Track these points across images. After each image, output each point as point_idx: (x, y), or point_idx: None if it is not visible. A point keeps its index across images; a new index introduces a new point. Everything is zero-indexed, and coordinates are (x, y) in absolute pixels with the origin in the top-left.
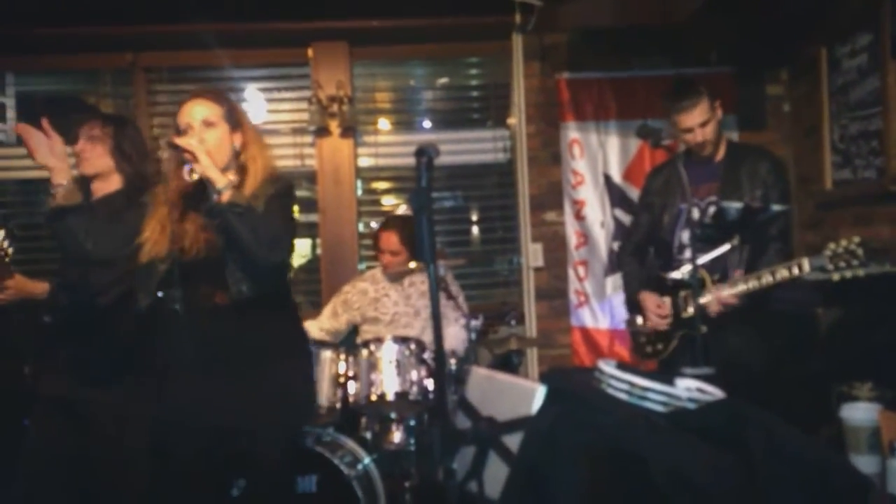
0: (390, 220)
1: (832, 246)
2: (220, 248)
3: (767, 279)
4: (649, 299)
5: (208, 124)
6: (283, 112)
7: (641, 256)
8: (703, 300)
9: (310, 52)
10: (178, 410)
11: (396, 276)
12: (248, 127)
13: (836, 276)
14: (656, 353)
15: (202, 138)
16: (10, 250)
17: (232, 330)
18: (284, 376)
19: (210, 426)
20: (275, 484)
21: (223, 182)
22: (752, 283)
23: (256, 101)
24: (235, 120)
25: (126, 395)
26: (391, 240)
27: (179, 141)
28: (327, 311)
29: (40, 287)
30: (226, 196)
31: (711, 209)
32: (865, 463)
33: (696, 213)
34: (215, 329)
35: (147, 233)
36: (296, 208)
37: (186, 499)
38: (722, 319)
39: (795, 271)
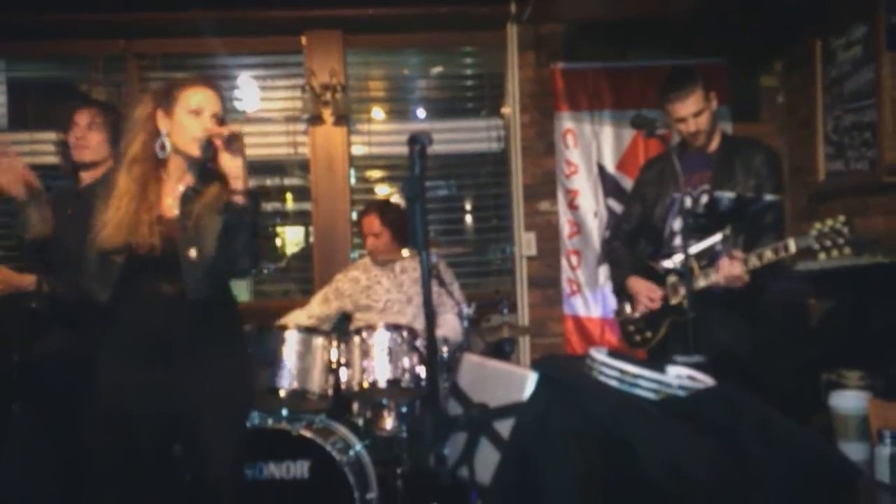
0: (371, 204)
1: (818, 225)
2: (174, 244)
3: (754, 262)
4: (641, 284)
5: (217, 118)
6: (277, 100)
7: (630, 245)
8: (709, 279)
9: (303, 39)
10: (119, 400)
11: (385, 263)
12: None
13: (822, 256)
14: (645, 341)
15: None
16: None
17: (176, 321)
18: (224, 366)
19: (151, 416)
20: (221, 473)
21: (244, 184)
22: (752, 262)
23: (250, 89)
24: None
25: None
26: (372, 223)
27: (223, 129)
28: (318, 297)
29: (27, 280)
30: (239, 199)
31: (704, 198)
32: (854, 450)
33: (688, 202)
34: (160, 320)
35: (105, 220)
36: None
37: (137, 487)
38: (711, 308)
39: (782, 252)
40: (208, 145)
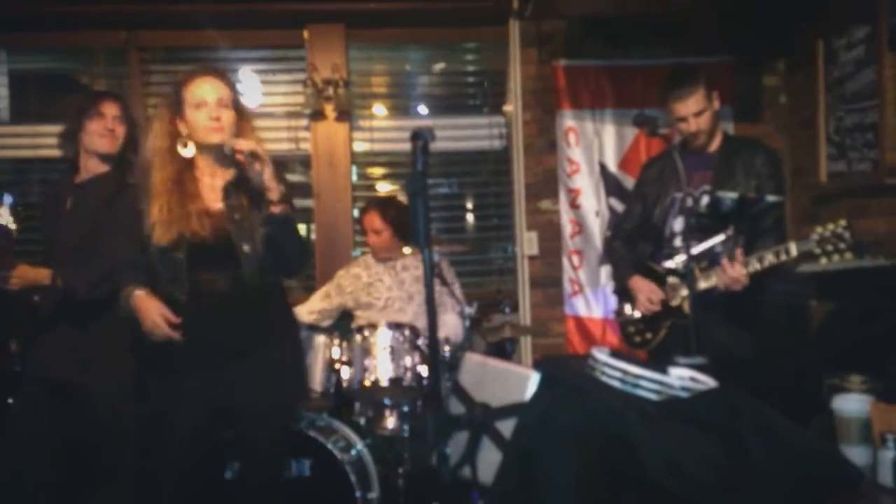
0: (372, 201)
1: (819, 230)
2: (227, 234)
3: (754, 265)
4: (643, 284)
5: (223, 105)
6: (278, 95)
7: (631, 245)
8: (710, 281)
9: (305, 34)
10: (174, 394)
11: (387, 260)
12: (246, 114)
13: (823, 261)
14: (645, 342)
15: (218, 117)
16: (15, 227)
17: (231, 315)
18: (279, 360)
19: (205, 411)
20: (267, 467)
21: (278, 193)
22: (753, 266)
23: (251, 83)
24: (239, 106)
25: (116, 378)
26: (373, 220)
27: (247, 146)
28: (319, 293)
29: (42, 274)
30: (277, 209)
31: (704, 199)
32: (856, 454)
33: (688, 203)
34: (216, 315)
35: (151, 223)
36: None
37: (181, 482)
38: (711, 310)
39: (783, 256)
40: (231, 152)
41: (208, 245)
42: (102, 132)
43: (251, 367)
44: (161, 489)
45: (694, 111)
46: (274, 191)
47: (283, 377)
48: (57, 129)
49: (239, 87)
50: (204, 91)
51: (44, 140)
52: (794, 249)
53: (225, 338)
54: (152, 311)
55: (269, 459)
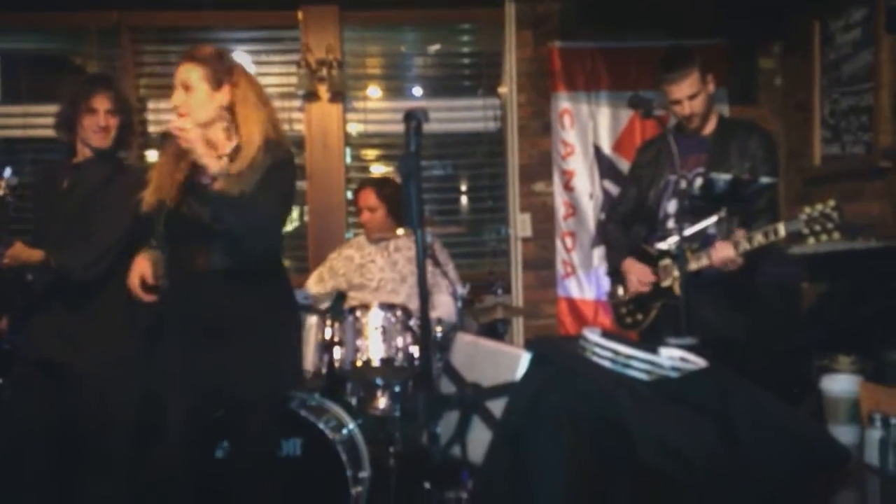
0: (366, 180)
1: (808, 210)
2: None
3: (744, 245)
4: (634, 266)
5: (186, 87)
6: (272, 76)
7: (625, 227)
8: (701, 262)
9: (299, 14)
10: (163, 375)
11: (379, 241)
12: (238, 85)
13: (811, 241)
14: (636, 323)
15: (184, 102)
16: (12, 201)
17: (216, 296)
18: (269, 342)
19: (195, 391)
20: (258, 448)
21: (216, 168)
22: (742, 246)
23: (245, 64)
24: (219, 79)
25: (107, 360)
26: (368, 196)
27: (174, 129)
28: (313, 277)
29: (36, 255)
30: (218, 184)
31: (698, 181)
32: (844, 433)
33: (682, 185)
34: (199, 294)
35: (147, 186)
36: (294, 177)
37: (173, 462)
38: (702, 291)
39: (772, 236)
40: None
41: (185, 219)
42: (95, 129)
43: (240, 350)
44: (157, 471)
45: (688, 94)
46: (210, 166)
47: (273, 362)
48: (48, 108)
49: None
50: (175, 77)
51: (35, 120)
52: (782, 230)
53: (209, 318)
54: (134, 270)
55: (258, 443)
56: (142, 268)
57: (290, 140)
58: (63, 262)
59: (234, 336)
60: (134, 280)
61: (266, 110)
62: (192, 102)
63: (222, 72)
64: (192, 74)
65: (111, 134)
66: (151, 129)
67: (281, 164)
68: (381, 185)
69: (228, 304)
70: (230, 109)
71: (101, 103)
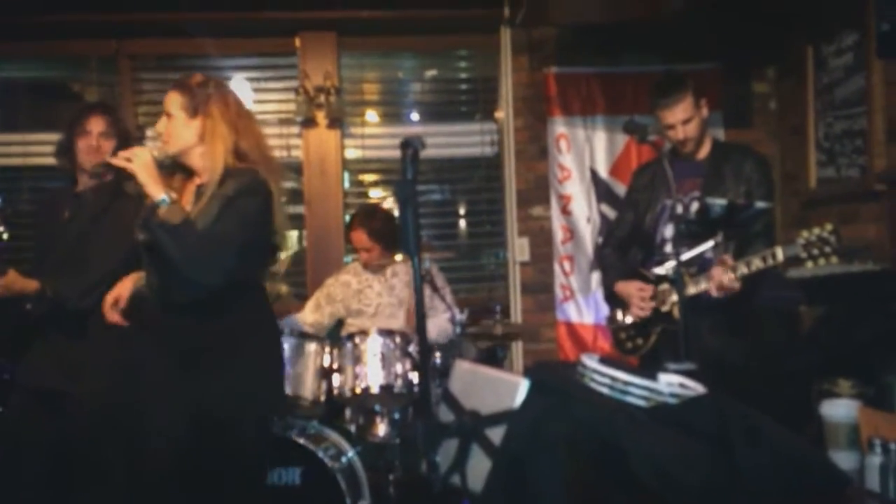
0: (356, 218)
1: (805, 234)
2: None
3: (742, 269)
4: (629, 286)
5: (167, 115)
6: (270, 102)
7: (622, 252)
8: (699, 287)
9: (297, 41)
10: (142, 404)
11: (378, 269)
12: (210, 115)
13: (809, 264)
14: (636, 348)
15: (165, 128)
16: (5, 236)
17: (186, 324)
18: (245, 368)
19: (173, 421)
20: (246, 476)
21: (159, 196)
22: (741, 270)
23: (243, 91)
24: (195, 107)
25: (104, 390)
26: (360, 238)
27: (113, 160)
28: (310, 304)
29: (31, 285)
30: (161, 212)
31: (694, 205)
32: (844, 459)
33: (678, 209)
34: (171, 323)
35: None
36: (264, 204)
37: (161, 490)
38: (701, 315)
39: (770, 260)
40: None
41: (148, 247)
42: (87, 150)
43: (215, 377)
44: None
45: (682, 119)
46: (153, 195)
47: (250, 388)
48: (47, 137)
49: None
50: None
51: (34, 148)
52: (780, 254)
53: (181, 346)
54: (114, 289)
55: (244, 468)
56: (121, 289)
57: (276, 166)
58: (59, 291)
59: (209, 363)
60: (108, 299)
61: (231, 139)
62: (171, 129)
63: (199, 100)
64: (173, 102)
65: (105, 155)
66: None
67: (245, 191)
68: (370, 221)
69: (197, 332)
70: (202, 138)
71: (95, 125)
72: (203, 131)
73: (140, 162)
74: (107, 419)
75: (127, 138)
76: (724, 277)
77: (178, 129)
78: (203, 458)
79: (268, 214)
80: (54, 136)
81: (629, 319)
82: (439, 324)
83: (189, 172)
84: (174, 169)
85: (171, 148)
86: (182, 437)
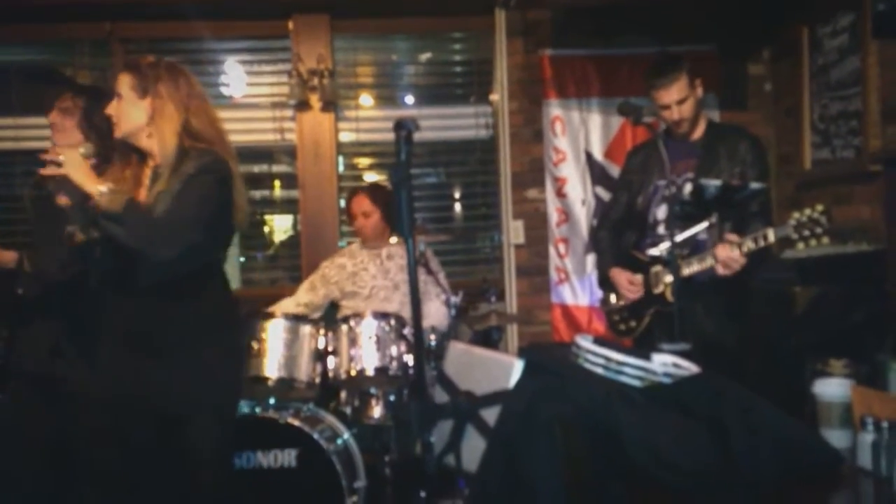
0: (358, 186)
1: (796, 215)
2: None
3: (748, 245)
4: (621, 276)
5: (117, 96)
6: (263, 85)
7: (617, 234)
8: (692, 268)
9: (290, 24)
10: (105, 391)
11: (373, 248)
12: (159, 95)
13: (801, 245)
14: (630, 330)
15: (115, 110)
16: None
17: (146, 309)
18: (203, 356)
19: (125, 406)
20: (206, 462)
21: (94, 190)
22: (748, 246)
23: (236, 74)
24: (144, 88)
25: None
26: (362, 202)
27: (44, 171)
28: (305, 285)
29: (8, 256)
30: (102, 203)
31: (687, 186)
32: (837, 437)
33: (672, 190)
34: (133, 307)
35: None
36: (224, 182)
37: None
38: (694, 297)
39: (761, 242)
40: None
41: (104, 239)
42: (50, 126)
43: (170, 364)
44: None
45: (676, 99)
46: (89, 190)
47: (208, 375)
48: (40, 120)
49: (223, 77)
50: None
51: (27, 132)
52: (771, 235)
53: (138, 333)
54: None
55: (205, 457)
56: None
57: (231, 148)
58: (38, 262)
59: (166, 351)
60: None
61: (180, 119)
62: (120, 110)
63: (148, 80)
64: (123, 83)
65: (62, 133)
66: None
67: (205, 169)
68: (374, 189)
69: (155, 318)
70: (151, 119)
71: (59, 102)
72: (152, 112)
73: (69, 163)
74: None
75: (100, 118)
76: (730, 252)
77: (128, 109)
78: (162, 449)
79: (228, 193)
80: (46, 120)
81: (622, 302)
82: (436, 309)
83: (144, 156)
84: (128, 152)
85: (121, 129)
86: (127, 426)
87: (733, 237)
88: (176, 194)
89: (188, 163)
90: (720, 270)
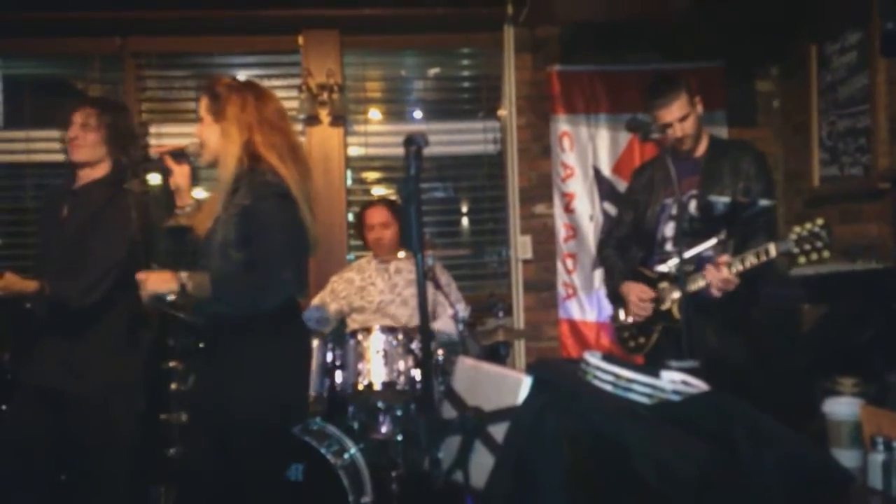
0: (374, 200)
1: (797, 229)
2: None
3: (737, 266)
4: (631, 287)
5: (199, 120)
6: None
7: (623, 251)
8: (698, 284)
9: (300, 39)
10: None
11: (382, 262)
12: (227, 117)
13: (801, 260)
14: (639, 347)
15: (198, 132)
16: None
17: (220, 331)
18: (267, 369)
19: (195, 410)
20: (253, 471)
21: (182, 280)
22: (735, 267)
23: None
24: (215, 111)
25: (108, 386)
26: (381, 213)
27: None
28: (315, 301)
29: (30, 286)
30: (193, 291)
31: (693, 203)
32: (847, 457)
33: (677, 208)
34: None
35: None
36: (293, 203)
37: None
38: (703, 313)
39: (763, 257)
40: None
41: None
42: (69, 141)
43: (235, 373)
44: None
45: (678, 116)
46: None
47: (269, 389)
48: (51, 134)
49: None
50: None
51: (38, 145)
52: (773, 250)
53: (209, 339)
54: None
55: (251, 466)
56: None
57: (300, 168)
58: (59, 290)
59: (232, 364)
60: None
61: (241, 140)
62: (201, 133)
63: (220, 102)
64: (201, 106)
65: (84, 147)
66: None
67: (259, 196)
68: (391, 202)
69: (226, 336)
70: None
71: (78, 117)
72: (220, 138)
73: (152, 283)
74: (115, 417)
75: (122, 134)
76: (720, 274)
77: (206, 133)
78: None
79: (290, 216)
80: (57, 134)
81: (631, 319)
82: (444, 323)
83: None
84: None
85: (205, 155)
86: (197, 430)
87: (724, 258)
88: (239, 234)
89: (242, 189)
90: (713, 292)
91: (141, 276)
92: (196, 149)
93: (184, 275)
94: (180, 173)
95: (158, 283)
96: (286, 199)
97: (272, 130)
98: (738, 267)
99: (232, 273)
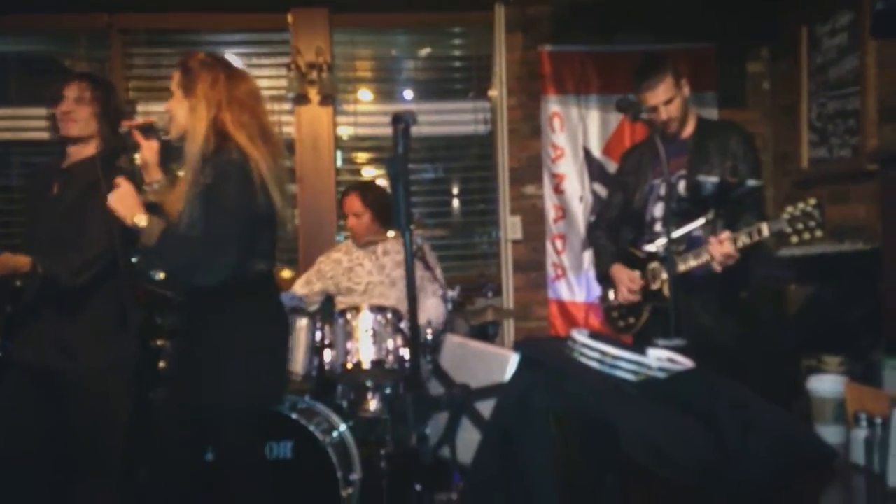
0: (351, 186)
1: (789, 209)
2: None
3: (742, 240)
4: (623, 273)
5: (171, 93)
6: (262, 78)
7: (613, 233)
8: (688, 263)
9: (289, 17)
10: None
11: (367, 245)
12: (196, 93)
13: (794, 239)
14: (628, 326)
15: (168, 107)
16: None
17: (193, 307)
18: (243, 354)
19: (175, 398)
20: (235, 455)
21: (134, 224)
22: (742, 241)
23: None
24: (186, 86)
25: (100, 365)
26: (353, 202)
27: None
28: (301, 280)
29: (22, 261)
30: (142, 238)
31: (681, 184)
32: (831, 433)
33: (666, 189)
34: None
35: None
36: (253, 181)
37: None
38: (691, 293)
39: (755, 236)
40: None
41: None
42: (62, 116)
43: (213, 359)
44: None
45: (663, 99)
46: (134, 223)
47: (249, 373)
48: (38, 111)
49: None
50: None
51: (26, 123)
52: (766, 229)
53: (188, 328)
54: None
55: (234, 450)
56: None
57: (270, 146)
58: (50, 268)
59: (206, 344)
60: None
61: (210, 117)
62: (172, 107)
63: (190, 78)
64: (173, 81)
65: (78, 122)
66: None
67: (221, 177)
68: (365, 190)
69: (202, 316)
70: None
71: (70, 91)
72: (190, 110)
73: (116, 196)
74: (109, 396)
75: (113, 109)
76: (724, 248)
77: (176, 108)
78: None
79: (249, 197)
80: (44, 111)
81: (621, 300)
82: (434, 306)
83: None
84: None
85: (173, 130)
86: (178, 417)
87: (726, 233)
88: (199, 208)
89: (206, 168)
90: (716, 266)
91: (116, 182)
92: (165, 124)
93: (146, 215)
94: (148, 148)
95: (124, 200)
96: (248, 179)
97: (241, 109)
98: (743, 241)
99: (184, 236)
